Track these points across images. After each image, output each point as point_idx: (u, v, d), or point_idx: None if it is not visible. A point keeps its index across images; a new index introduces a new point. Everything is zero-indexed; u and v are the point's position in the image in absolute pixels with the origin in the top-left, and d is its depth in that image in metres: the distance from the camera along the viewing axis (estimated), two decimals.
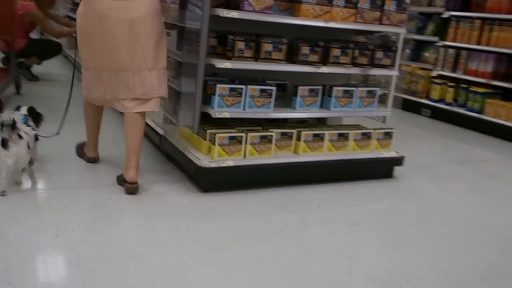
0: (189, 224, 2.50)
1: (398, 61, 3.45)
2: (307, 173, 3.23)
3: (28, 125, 2.72)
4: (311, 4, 3.01)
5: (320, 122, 3.62)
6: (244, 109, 2.99)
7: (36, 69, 5.83)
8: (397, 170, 3.55)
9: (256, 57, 2.99)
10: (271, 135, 3.05)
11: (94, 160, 3.23)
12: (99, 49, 2.71)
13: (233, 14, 2.78)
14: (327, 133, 3.28)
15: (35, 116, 2.93)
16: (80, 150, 3.30)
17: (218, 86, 2.88)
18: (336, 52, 3.21)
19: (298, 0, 2.99)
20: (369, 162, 3.42)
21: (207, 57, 2.84)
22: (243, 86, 2.95)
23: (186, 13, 2.93)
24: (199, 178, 2.95)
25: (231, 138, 2.91)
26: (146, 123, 3.65)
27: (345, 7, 3.11)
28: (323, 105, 3.32)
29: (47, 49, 5.78)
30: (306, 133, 3.20)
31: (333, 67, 3.23)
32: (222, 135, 2.89)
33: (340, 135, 3.33)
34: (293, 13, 3.04)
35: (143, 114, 2.84)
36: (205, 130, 2.95)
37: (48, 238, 2.21)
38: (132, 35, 2.66)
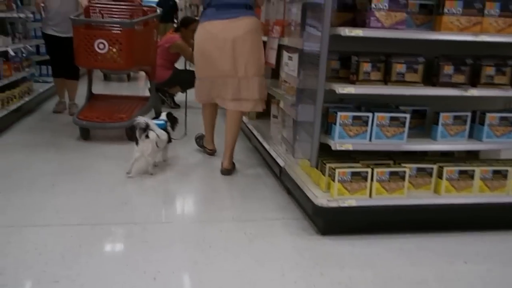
0: (299, 275, 2.15)
1: None
2: (450, 218, 2.66)
3: (166, 130, 3.46)
4: (455, 15, 2.51)
5: (470, 156, 3.01)
6: (370, 140, 2.58)
7: (179, 97, 6.10)
8: None
9: (385, 80, 2.58)
10: (404, 171, 2.57)
11: (212, 152, 3.88)
12: (210, 62, 3.38)
13: (357, 32, 2.41)
14: (478, 170, 2.68)
15: (172, 120, 3.68)
16: (200, 141, 4.01)
17: (340, 114, 2.53)
18: (490, 70, 2.63)
19: (439, 11, 2.52)
20: None
21: (327, 82, 2.51)
22: (369, 114, 2.55)
23: (305, 34, 2.65)
24: (316, 218, 2.61)
25: (353, 174, 2.52)
26: (268, 153, 3.47)
27: (500, 16, 2.53)
28: (473, 135, 2.74)
29: (190, 79, 5.98)
30: (450, 170, 2.64)
31: (485, 89, 2.64)
32: (343, 170, 2.51)
33: (496, 172, 2.70)
34: (433, 27, 2.56)
35: (240, 113, 3.51)
36: (324, 164, 2.60)
37: (146, 279, 2.07)
38: (236, 50, 3.28)
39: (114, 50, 4.03)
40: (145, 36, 4.37)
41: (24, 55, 5.28)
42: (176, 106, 6.01)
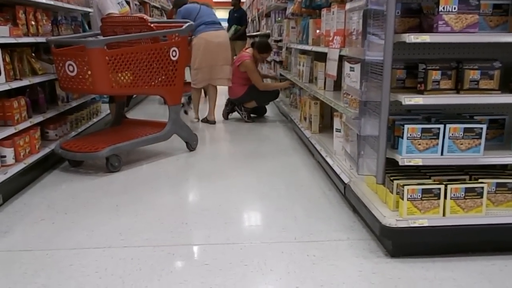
0: None
1: None
2: None
3: None
4: None
5: None
6: (442, 154, 2.38)
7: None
8: None
9: (457, 89, 2.37)
10: (482, 187, 2.34)
11: (197, 119, 6.01)
12: (205, 57, 5.62)
13: (424, 38, 2.24)
14: None
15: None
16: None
17: (407, 126, 2.35)
18: None
19: None
20: None
21: (392, 93, 2.35)
22: (440, 126, 2.35)
23: (367, 43, 2.50)
24: (385, 239, 2.43)
25: (424, 191, 2.32)
26: (331, 168, 3.34)
27: None
28: None
29: (265, 94, 6.05)
30: None
31: None
32: (412, 187, 2.32)
33: None
34: (509, 29, 2.34)
35: (216, 87, 5.87)
36: (392, 181, 2.43)
37: None
38: (220, 49, 5.64)
39: (89, 72, 3.62)
40: (154, 56, 3.92)
41: None
42: (250, 120, 6.07)
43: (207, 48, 5.56)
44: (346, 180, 3.01)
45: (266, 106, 6.45)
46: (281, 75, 6.70)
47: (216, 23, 5.71)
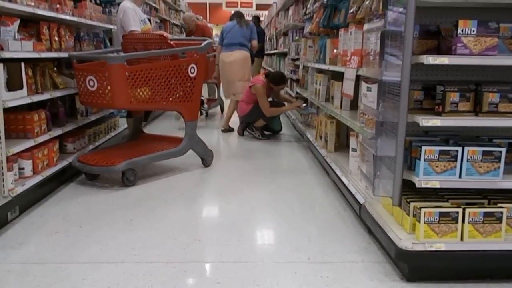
0: None
1: None
2: None
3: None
4: None
5: None
6: (460, 176, 2.34)
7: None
8: None
9: (476, 111, 2.34)
10: (501, 212, 2.29)
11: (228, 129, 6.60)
12: (222, 74, 6.62)
13: (442, 60, 2.23)
14: None
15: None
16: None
17: (424, 148, 2.32)
18: None
19: None
20: None
21: (410, 114, 2.33)
22: (458, 148, 2.32)
23: (384, 64, 2.49)
24: (400, 262, 2.39)
25: (442, 214, 2.28)
26: (347, 188, 3.31)
27: None
28: None
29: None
30: None
31: None
32: (429, 210, 2.28)
33: None
34: None
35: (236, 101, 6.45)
36: (408, 203, 2.39)
37: None
38: (232, 67, 6.45)
39: (109, 88, 3.67)
40: (172, 72, 3.97)
41: None
42: (264, 137, 6.11)
43: (222, 66, 6.58)
44: (361, 201, 2.98)
45: (282, 124, 6.48)
46: (297, 93, 6.73)
47: (233, 44, 6.48)
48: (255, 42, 6.74)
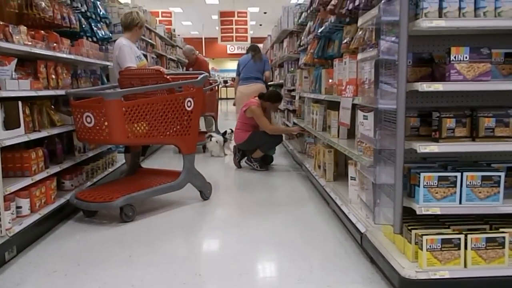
0: None
1: None
2: None
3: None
4: None
5: None
6: (460, 202, 2.34)
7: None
8: None
9: (472, 136, 2.35)
10: (503, 237, 2.27)
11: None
12: (241, 104, 6.54)
13: (436, 87, 2.26)
14: None
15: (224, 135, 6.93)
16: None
17: (423, 175, 2.32)
18: None
19: None
20: None
21: (407, 140, 2.34)
22: (457, 174, 2.32)
23: (379, 92, 2.52)
24: None
25: (444, 241, 2.26)
26: (347, 217, 3.28)
27: None
28: None
29: (266, 140, 5.97)
30: None
31: None
32: (431, 237, 2.26)
33: None
34: None
35: None
36: (410, 230, 2.37)
37: None
38: (250, 98, 6.28)
39: (106, 123, 3.68)
40: (169, 106, 3.98)
41: None
42: (264, 168, 6.06)
43: (241, 98, 7.28)
44: (362, 230, 2.95)
45: (274, 155, 6.38)
46: (294, 123, 6.76)
47: (249, 78, 7.39)
48: (268, 73, 7.65)
